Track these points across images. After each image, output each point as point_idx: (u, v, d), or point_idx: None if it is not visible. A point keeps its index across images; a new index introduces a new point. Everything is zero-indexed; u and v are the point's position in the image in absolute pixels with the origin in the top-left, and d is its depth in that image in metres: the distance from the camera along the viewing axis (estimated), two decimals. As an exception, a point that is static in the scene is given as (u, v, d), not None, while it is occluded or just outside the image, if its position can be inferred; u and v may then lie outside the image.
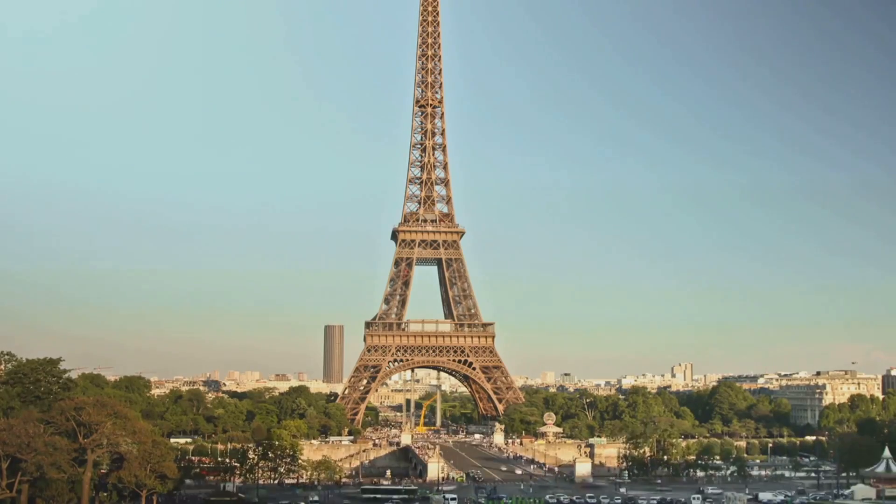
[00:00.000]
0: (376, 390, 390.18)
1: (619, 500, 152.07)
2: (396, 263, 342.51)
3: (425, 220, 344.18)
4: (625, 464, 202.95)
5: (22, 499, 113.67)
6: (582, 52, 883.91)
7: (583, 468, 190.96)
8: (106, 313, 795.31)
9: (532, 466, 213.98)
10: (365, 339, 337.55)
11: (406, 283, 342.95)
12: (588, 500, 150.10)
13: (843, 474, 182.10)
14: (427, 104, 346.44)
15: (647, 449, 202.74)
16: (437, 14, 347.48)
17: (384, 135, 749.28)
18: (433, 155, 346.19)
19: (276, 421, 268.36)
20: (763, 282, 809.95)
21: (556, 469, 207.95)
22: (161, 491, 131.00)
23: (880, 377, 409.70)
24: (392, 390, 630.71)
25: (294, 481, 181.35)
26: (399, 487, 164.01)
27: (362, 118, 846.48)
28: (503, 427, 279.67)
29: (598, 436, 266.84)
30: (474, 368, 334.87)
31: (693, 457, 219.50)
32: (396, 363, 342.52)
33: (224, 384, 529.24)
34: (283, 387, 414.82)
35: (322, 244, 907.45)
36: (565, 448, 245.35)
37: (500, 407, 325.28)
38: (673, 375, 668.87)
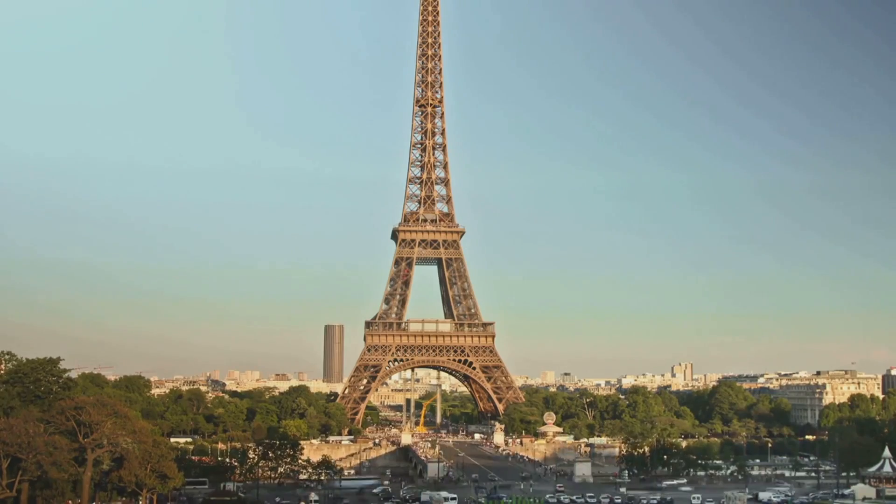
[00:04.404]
0: (376, 390, 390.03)
1: (619, 500, 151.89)
2: (396, 263, 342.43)
3: (425, 220, 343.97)
4: (625, 463, 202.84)
5: (22, 498, 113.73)
6: (582, 51, 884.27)
7: (583, 468, 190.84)
8: (106, 313, 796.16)
9: (532, 466, 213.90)
10: (365, 339, 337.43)
11: (406, 283, 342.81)
12: (588, 499, 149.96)
13: (843, 474, 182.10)
14: (427, 104, 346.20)
15: (646, 448, 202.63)
16: (437, 14, 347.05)
17: (384, 134, 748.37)
18: (433, 154, 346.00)
19: (276, 420, 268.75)
20: (763, 282, 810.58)
21: (557, 469, 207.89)
22: (161, 490, 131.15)
23: (880, 377, 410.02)
24: (392, 390, 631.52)
25: (294, 481, 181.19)
26: None
27: (362, 117, 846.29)
28: (503, 426, 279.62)
29: (599, 435, 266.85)
30: (474, 368, 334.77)
31: (693, 456, 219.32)
32: (396, 363, 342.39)
33: (225, 384, 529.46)
34: (283, 386, 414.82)
35: (322, 244, 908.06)
36: (565, 448, 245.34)
37: (501, 406, 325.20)
38: (673, 375, 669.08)
